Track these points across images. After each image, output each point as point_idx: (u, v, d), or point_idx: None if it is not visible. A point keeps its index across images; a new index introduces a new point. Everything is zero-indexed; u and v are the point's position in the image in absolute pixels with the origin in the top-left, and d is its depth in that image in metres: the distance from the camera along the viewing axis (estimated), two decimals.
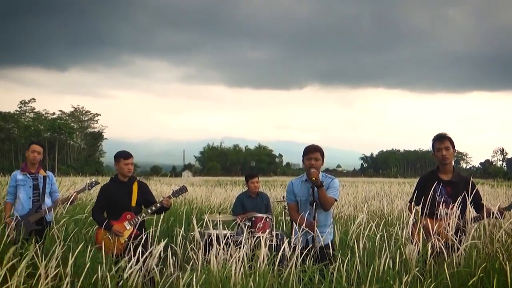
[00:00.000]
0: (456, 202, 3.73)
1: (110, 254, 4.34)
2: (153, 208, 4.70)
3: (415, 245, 3.37)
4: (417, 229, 3.59)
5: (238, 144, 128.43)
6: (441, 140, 4.11)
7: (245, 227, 5.50)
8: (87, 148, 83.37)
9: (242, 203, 6.43)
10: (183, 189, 5.01)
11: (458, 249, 3.42)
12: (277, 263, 3.33)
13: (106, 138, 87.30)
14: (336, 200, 4.12)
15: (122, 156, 4.76)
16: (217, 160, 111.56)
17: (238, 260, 3.11)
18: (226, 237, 4.15)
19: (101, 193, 4.86)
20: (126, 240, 4.55)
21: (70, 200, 5.40)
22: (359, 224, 3.93)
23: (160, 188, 13.56)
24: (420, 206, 3.86)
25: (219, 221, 4.64)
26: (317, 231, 3.82)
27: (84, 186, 5.66)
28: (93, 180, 5.74)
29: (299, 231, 3.84)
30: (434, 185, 4.03)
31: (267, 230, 5.43)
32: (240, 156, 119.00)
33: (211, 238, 4.92)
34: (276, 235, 5.55)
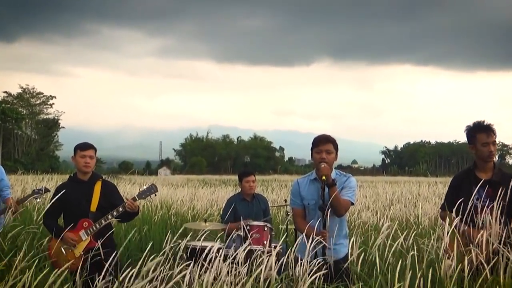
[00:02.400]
0: (498, 206, 3.71)
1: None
2: (114, 213, 4.69)
3: (451, 260, 3.35)
4: (453, 240, 3.58)
5: (229, 134, 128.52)
6: (488, 132, 4.07)
7: (238, 238, 5.49)
8: (39, 139, 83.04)
9: (234, 208, 6.41)
10: (151, 189, 4.97)
11: (507, 264, 3.41)
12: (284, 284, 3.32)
13: (63, 127, 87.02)
14: (352, 204, 4.11)
15: (79, 147, 4.79)
16: (202, 155, 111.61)
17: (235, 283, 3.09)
18: (214, 251, 4.12)
19: (55, 195, 4.83)
20: (82, 253, 4.57)
21: (6, 212, 5.37)
22: (380, 233, 3.92)
23: (130, 190, 13.54)
24: (454, 212, 3.83)
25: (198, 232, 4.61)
26: (329, 242, 3.80)
27: (31, 193, 5.61)
28: (42, 186, 5.67)
29: (307, 243, 3.82)
30: (471, 186, 4.01)
31: (266, 242, 5.42)
32: (231, 150, 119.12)
33: (196, 252, 4.91)
34: (276, 247, 5.53)
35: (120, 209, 4.70)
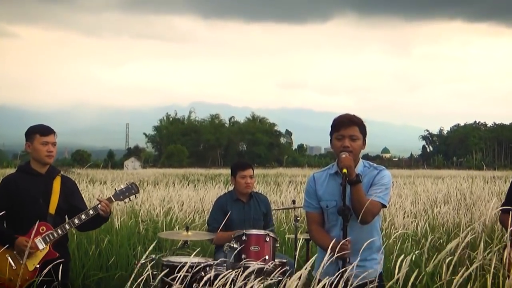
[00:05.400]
0: None
1: None
2: (83, 217, 4.77)
3: None
4: None
5: (218, 114, 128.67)
6: None
7: (231, 251, 5.49)
8: None
9: (225, 211, 6.41)
10: (131, 189, 5.11)
11: None
12: None
13: None
14: (384, 206, 4.11)
15: (39, 131, 4.87)
16: (182, 141, 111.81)
17: None
18: (200, 269, 4.13)
19: (3, 188, 4.92)
20: (37, 266, 4.61)
21: None
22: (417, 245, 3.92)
23: (87, 188, 13.54)
24: None
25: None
26: (354, 257, 3.80)
27: None
28: None
29: (328, 259, 3.81)
30: None
31: (267, 257, 5.43)
32: (221, 135, 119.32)
33: (175, 270, 4.91)
34: (283, 264, 5.53)
35: (91, 212, 4.80)
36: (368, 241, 3.82)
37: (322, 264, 3.54)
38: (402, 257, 3.64)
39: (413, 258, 4.85)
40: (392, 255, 5.61)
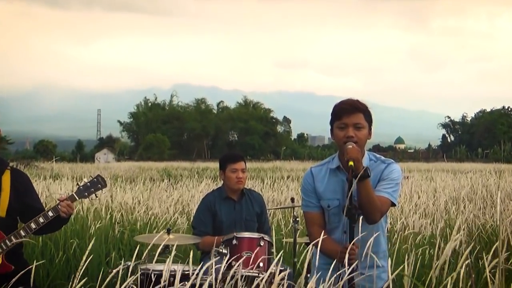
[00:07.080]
0: None
1: None
2: (41, 220, 4.70)
3: None
4: None
5: (205, 98, 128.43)
6: None
7: (220, 257, 5.52)
8: None
9: (212, 211, 6.43)
10: (97, 183, 5.03)
11: None
12: None
13: None
14: (393, 204, 4.13)
15: None
16: (163, 130, 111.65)
17: None
18: (183, 278, 4.15)
19: None
20: None
21: None
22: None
23: (51, 186, 13.53)
24: None
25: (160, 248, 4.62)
26: (359, 263, 3.82)
27: None
28: None
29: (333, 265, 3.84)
30: None
31: (262, 264, 5.45)
32: (208, 122, 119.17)
33: (155, 279, 4.94)
34: (280, 272, 5.56)
35: (50, 214, 4.71)
36: (372, 239, 3.82)
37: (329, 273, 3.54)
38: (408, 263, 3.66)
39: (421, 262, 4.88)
40: (409, 260, 5.64)
